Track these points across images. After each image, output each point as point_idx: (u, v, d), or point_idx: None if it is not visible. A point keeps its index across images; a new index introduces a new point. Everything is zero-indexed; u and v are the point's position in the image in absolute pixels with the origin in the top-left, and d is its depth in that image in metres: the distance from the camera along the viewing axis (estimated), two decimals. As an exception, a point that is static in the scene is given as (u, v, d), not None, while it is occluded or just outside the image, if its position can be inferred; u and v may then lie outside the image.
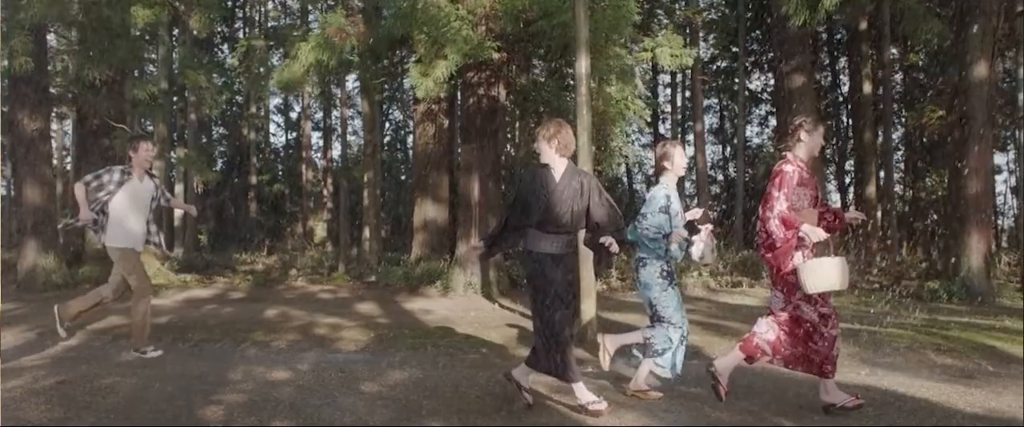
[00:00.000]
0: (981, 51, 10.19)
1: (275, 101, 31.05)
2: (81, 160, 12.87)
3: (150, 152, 6.41)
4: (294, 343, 7.41)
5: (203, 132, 27.63)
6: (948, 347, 6.87)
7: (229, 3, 27.26)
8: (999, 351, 6.75)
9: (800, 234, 4.38)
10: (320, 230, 28.37)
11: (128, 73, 12.31)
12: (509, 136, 13.66)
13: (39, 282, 11.37)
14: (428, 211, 12.74)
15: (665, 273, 4.90)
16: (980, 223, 10.45)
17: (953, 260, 10.56)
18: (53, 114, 16.91)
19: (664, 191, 4.93)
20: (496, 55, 10.37)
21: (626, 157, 12.37)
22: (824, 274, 4.29)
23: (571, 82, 12.08)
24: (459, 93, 12.28)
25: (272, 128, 33.45)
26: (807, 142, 4.59)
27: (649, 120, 31.72)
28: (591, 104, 7.57)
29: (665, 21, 22.42)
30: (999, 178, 28.34)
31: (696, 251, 4.95)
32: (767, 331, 4.58)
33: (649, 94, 14.06)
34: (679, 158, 5.01)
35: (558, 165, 4.60)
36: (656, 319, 4.96)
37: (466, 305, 10.38)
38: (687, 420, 4.51)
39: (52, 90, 12.28)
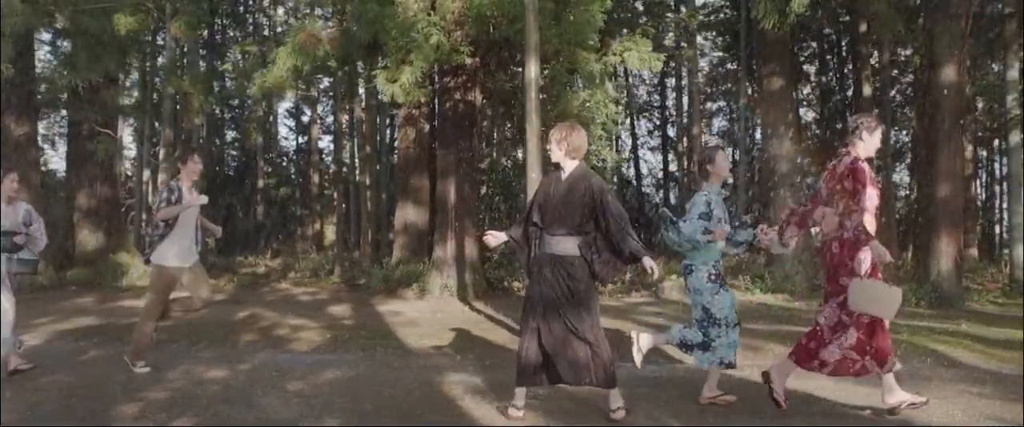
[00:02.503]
0: (950, 54, 10.13)
1: (286, 105, 31.45)
2: (73, 164, 13.19)
3: (198, 166, 6.23)
4: (250, 344, 7.57)
5: (216, 135, 28.08)
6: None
7: (240, 8, 27.71)
8: (941, 354, 6.74)
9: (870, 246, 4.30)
10: (330, 233, 28.67)
11: (116, 79, 12.59)
12: (489, 139, 13.77)
13: (25, 283, 11.65)
14: (408, 214, 12.89)
15: (714, 276, 4.87)
16: (950, 226, 10.36)
17: (917, 263, 10.49)
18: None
19: (705, 196, 4.87)
20: (469, 60, 10.50)
21: (605, 161, 12.38)
22: (875, 298, 4.19)
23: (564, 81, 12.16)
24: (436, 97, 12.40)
25: (284, 131, 33.90)
26: (867, 142, 4.49)
27: (658, 123, 31.85)
28: (541, 109, 7.67)
29: (669, 24, 22.53)
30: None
31: (777, 247, 4.90)
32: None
33: (616, 97, 14.02)
34: (721, 161, 4.96)
35: (568, 167, 4.64)
36: (707, 322, 4.88)
37: (438, 307, 10.50)
38: (588, 421, 4.58)
39: (40, 96, 12.59)
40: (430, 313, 9.87)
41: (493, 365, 6.44)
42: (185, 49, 19.89)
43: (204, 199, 6.16)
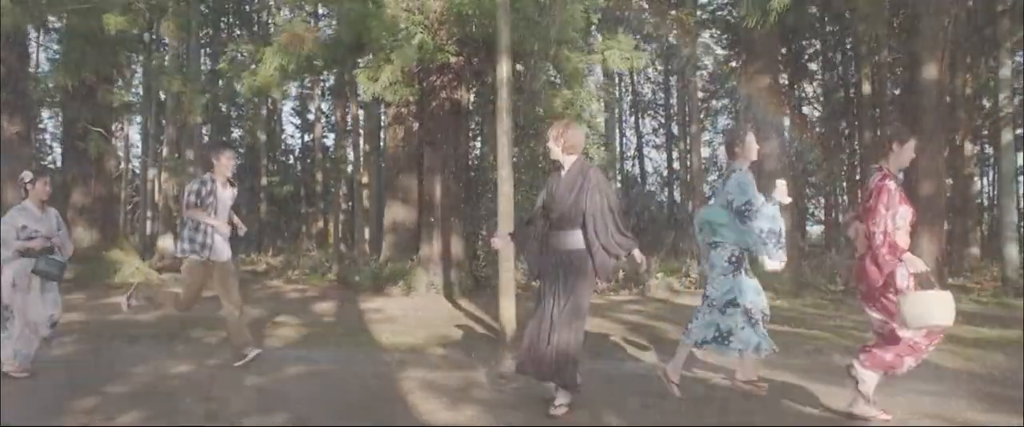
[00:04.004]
0: (932, 51, 10.09)
1: (291, 103, 31.59)
2: (69, 162, 13.38)
3: (231, 161, 6.24)
4: (225, 340, 7.60)
5: (220, 133, 28.26)
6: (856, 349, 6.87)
7: (246, 8, 27.87)
8: (906, 353, 6.73)
9: (902, 260, 4.25)
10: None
11: (110, 78, 12.74)
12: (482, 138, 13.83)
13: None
14: (397, 213, 12.95)
15: (734, 258, 4.91)
16: (932, 225, 10.33)
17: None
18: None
19: (748, 175, 4.95)
20: (454, 59, 10.56)
21: (593, 159, 12.38)
22: (929, 309, 4.10)
23: (554, 80, 12.18)
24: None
25: (290, 129, 34.10)
26: (898, 154, 4.46)
27: (662, 122, 31.77)
28: (512, 109, 7.72)
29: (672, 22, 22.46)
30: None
31: (774, 262, 4.92)
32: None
33: (600, 95, 14.02)
34: (750, 141, 5.03)
35: (566, 163, 4.72)
36: (705, 299, 4.99)
37: (420, 305, 10.55)
38: (527, 420, 4.64)
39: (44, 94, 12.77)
40: (412, 311, 9.93)
41: (457, 362, 6.50)
42: (187, 48, 20.06)
43: (242, 228, 6.22)
